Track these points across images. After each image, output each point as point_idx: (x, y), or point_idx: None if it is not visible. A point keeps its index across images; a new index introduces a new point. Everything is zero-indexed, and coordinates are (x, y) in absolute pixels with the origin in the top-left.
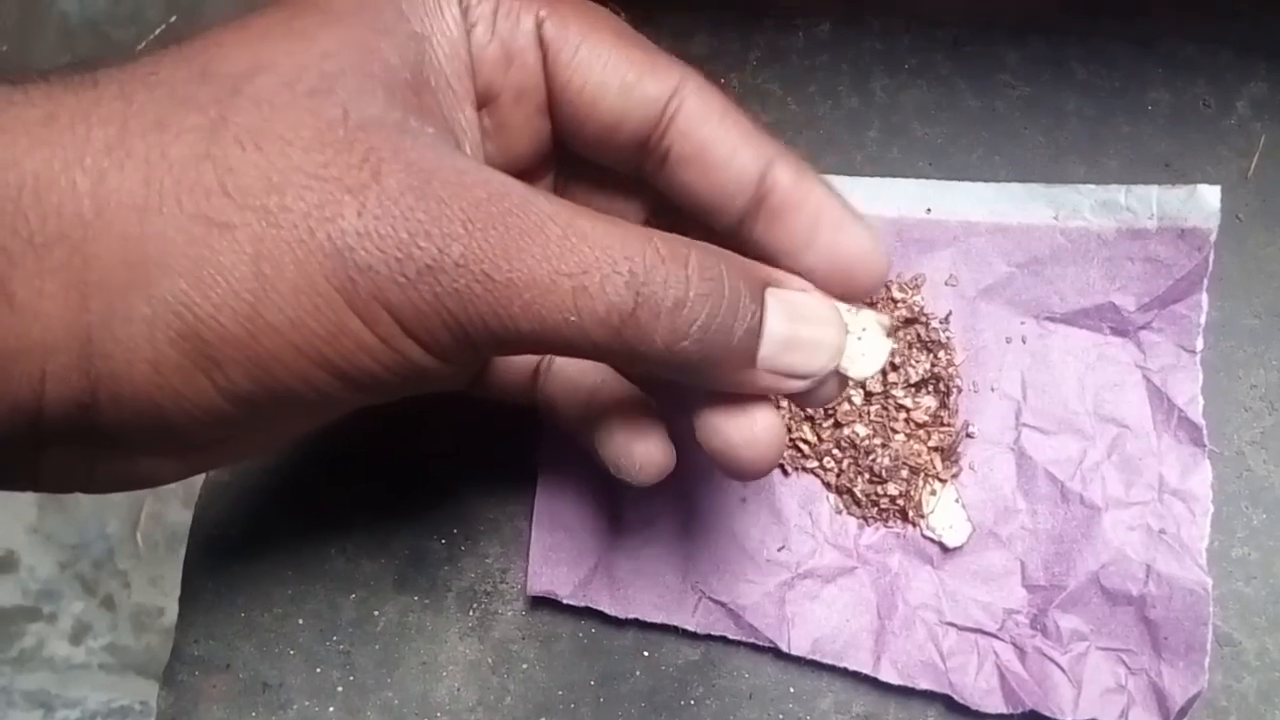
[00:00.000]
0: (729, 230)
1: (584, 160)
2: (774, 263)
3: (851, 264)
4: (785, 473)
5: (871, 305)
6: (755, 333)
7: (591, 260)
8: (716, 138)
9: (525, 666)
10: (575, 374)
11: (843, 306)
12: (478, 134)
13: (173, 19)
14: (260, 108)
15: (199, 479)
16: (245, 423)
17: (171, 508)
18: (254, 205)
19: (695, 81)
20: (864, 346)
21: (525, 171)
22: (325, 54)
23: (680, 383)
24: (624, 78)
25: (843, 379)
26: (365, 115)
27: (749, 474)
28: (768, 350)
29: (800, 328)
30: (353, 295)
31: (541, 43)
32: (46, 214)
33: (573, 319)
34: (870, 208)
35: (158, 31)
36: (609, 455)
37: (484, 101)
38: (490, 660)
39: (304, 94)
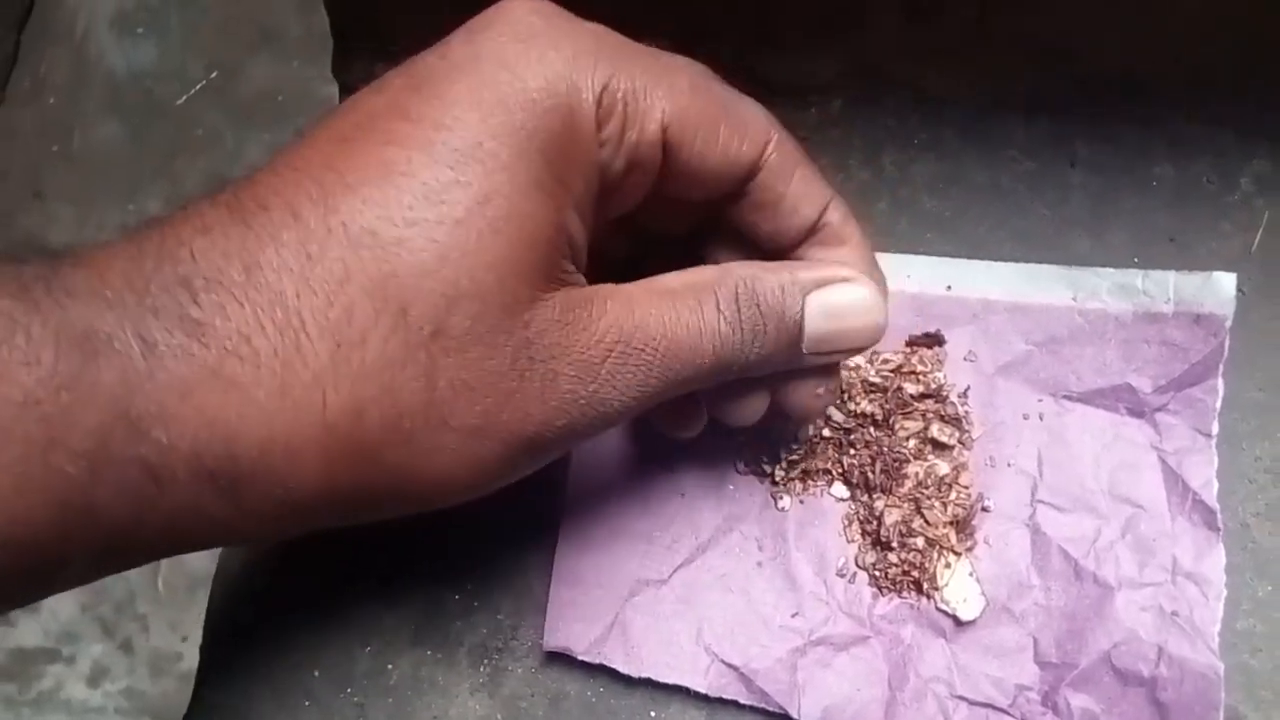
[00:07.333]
0: (779, 251)
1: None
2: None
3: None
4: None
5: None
6: (797, 340)
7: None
8: (789, 191)
9: None
10: None
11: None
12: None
13: (214, 75)
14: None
15: None
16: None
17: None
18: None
19: (779, 135)
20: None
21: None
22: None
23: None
24: (728, 152)
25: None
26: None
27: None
28: (810, 345)
29: (835, 323)
30: None
31: (664, 144)
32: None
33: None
34: (892, 283)
35: (198, 87)
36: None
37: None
38: (499, 716)
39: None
